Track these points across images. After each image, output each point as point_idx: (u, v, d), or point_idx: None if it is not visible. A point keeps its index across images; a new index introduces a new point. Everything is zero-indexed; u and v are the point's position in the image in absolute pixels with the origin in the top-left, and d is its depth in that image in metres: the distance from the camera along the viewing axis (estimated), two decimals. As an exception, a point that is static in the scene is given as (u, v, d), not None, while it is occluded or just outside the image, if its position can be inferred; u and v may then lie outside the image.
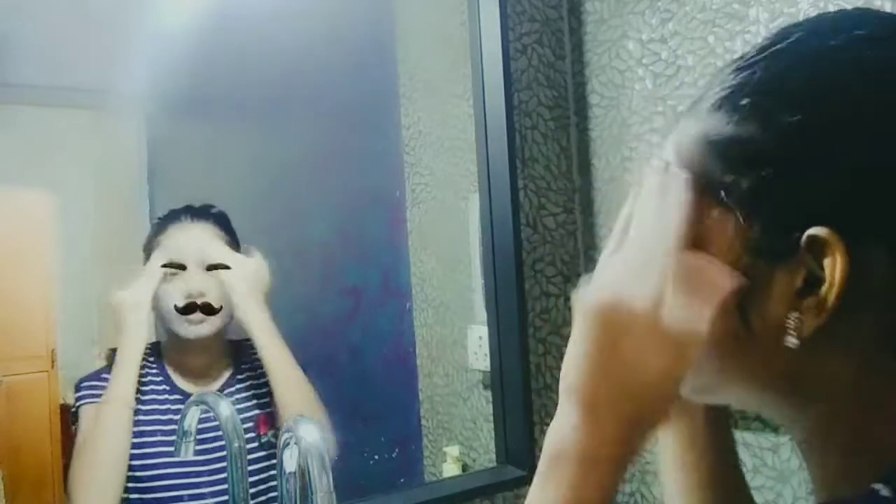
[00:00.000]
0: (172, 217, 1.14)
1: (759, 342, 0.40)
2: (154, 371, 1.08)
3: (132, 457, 1.01)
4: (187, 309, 1.06)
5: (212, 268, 1.10)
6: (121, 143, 1.49)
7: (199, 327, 1.08)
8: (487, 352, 1.24)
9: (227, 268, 1.10)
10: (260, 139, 1.58)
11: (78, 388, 1.04)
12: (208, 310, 1.07)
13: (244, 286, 1.08)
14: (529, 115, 1.24)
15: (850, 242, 0.36)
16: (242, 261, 1.10)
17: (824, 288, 0.37)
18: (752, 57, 0.42)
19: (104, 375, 1.03)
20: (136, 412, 1.02)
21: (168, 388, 1.07)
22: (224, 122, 1.58)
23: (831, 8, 0.89)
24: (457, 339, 1.37)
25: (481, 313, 1.27)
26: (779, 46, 0.41)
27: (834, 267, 0.36)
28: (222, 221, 1.15)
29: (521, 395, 1.18)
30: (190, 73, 1.37)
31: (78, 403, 1.03)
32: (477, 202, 1.24)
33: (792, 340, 0.38)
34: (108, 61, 1.36)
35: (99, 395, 1.02)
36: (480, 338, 1.28)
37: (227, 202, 1.26)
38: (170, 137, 1.54)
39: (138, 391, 1.04)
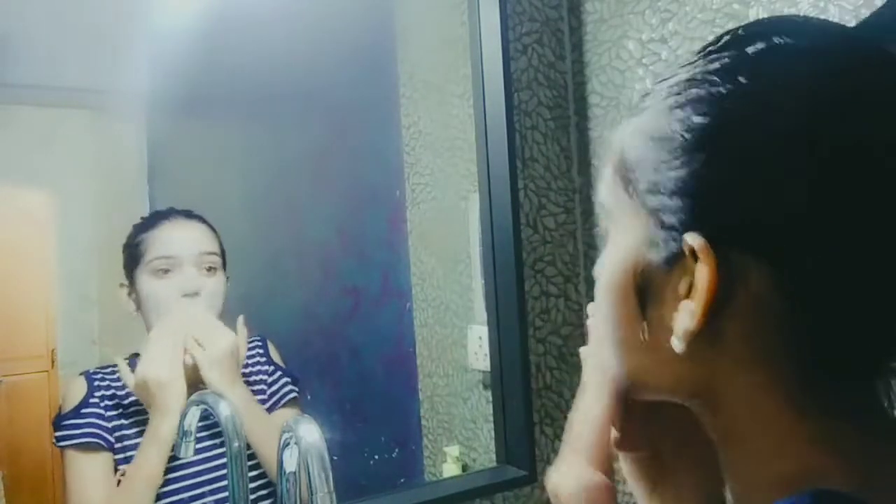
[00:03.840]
0: (161, 216, 1.11)
1: (656, 343, 0.40)
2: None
3: (125, 460, 1.00)
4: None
5: (209, 269, 1.08)
6: (121, 143, 1.49)
7: None
8: (487, 352, 1.24)
9: (216, 269, 1.09)
10: (260, 139, 1.59)
11: (58, 426, 0.99)
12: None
13: (217, 371, 1.01)
14: (529, 115, 1.24)
15: (728, 251, 0.36)
16: (220, 338, 1.04)
17: (693, 294, 0.37)
18: (691, 59, 0.42)
19: (83, 411, 1.00)
20: (120, 427, 1.01)
21: None
22: (224, 122, 1.58)
23: (831, 8, 0.89)
24: (457, 339, 1.37)
25: (481, 313, 1.27)
26: (712, 47, 0.41)
27: (702, 274, 0.36)
28: (210, 225, 1.12)
29: (521, 395, 1.18)
30: (190, 73, 1.37)
31: (61, 444, 0.99)
32: (477, 202, 1.24)
33: (676, 343, 0.38)
34: (108, 61, 1.36)
35: (82, 436, 0.98)
36: (480, 338, 1.28)
37: (227, 202, 1.26)
38: (170, 137, 1.54)
39: (120, 406, 1.03)
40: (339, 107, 1.55)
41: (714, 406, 0.40)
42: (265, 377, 1.14)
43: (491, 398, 1.25)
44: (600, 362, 0.49)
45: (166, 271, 1.05)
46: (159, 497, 1.00)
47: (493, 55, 1.19)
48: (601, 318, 0.45)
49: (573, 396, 1.35)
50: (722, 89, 0.38)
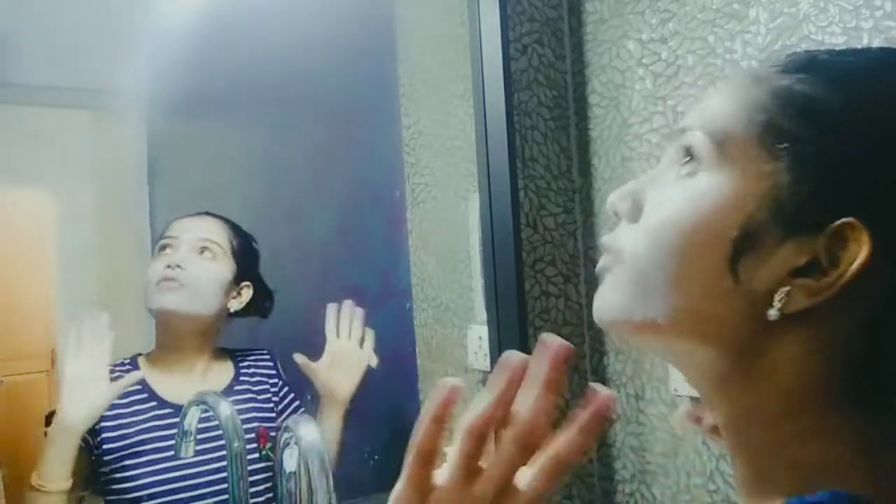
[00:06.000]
0: (191, 214, 1.16)
1: (737, 298, 0.39)
2: (136, 386, 1.06)
3: (126, 468, 1.00)
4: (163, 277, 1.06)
5: (202, 251, 1.10)
6: (121, 143, 1.49)
7: (168, 296, 1.06)
8: (487, 352, 1.24)
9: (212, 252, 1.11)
10: (260, 139, 1.59)
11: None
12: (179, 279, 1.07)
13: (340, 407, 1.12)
14: (529, 115, 1.24)
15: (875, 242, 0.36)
16: (350, 374, 1.14)
17: (834, 274, 0.36)
18: (853, 48, 0.42)
19: None
20: (122, 427, 1.02)
21: (155, 403, 1.06)
22: (224, 122, 1.58)
23: (831, 7, 0.88)
24: (457, 339, 1.37)
25: (481, 313, 1.27)
26: (878, 48, 0.41)
27: (853, 258, 0.35)
28: (233, 225, 1.17)
29: (521, 395, 1.18)
30: (190, 73, 1.37)
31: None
32: (477, 202, 1.24)
33: (773, 313, 0.37)
34: (108, 61, 1.36)
35: None
36: (480, 338, 1.28)
37: (228, 202, 1.26)
38: (170, 137, 1.54)
39: (123, 406, 1.03)
40: (339, 107, 1.54)
41: (748, 378, 0.40)
42: (275, 389, 1.16)
43: (491, 398, 1.25)
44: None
45: (164, 248, 1.08)
46: (159, 496, 1.00)
47: (493, 55, 1.19)
48: (664, 249, 0.42)
49: (573, 396, 1.34)
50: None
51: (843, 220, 0.36)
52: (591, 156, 1.25)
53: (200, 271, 1.08)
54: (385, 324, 1.54)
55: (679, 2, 1.08)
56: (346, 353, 1.14)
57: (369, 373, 1.21)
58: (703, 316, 0.40)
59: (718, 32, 1.03)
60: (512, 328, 1.18)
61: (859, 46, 0.42)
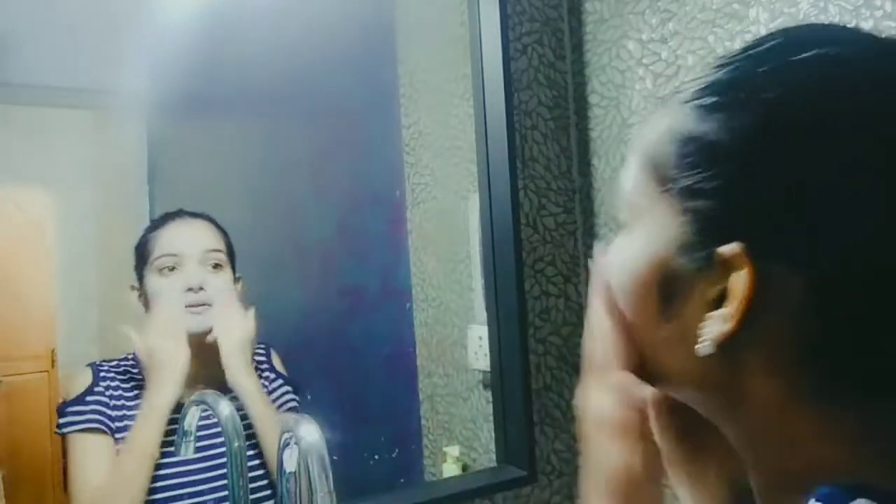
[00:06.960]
0: (169, 216, 1.13)
1: (675, 342, 0.40)
2: (142, 383, 1.06)
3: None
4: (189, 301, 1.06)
5: (215, 266, 1.10)
6: (121, 143, 1.49)
7: (202, 319, 1.07)
8: (487, 352, 1.24)
9: (222, 267, 1.10)
10: (260, 139, 1.58)
11: (62, 413, 1.00)
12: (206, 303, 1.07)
13: (238, 358, 1.07)
14: (529, 115, 1.24)
15: (765, 261, 0.36)
16: (238, 322, 1.09)
17: (729, 301, 0.37)
18: (732, 56, 0.41)
19: (88, 398, 1.00)
20: (122, 417, 1.01)
21: None
22: (224, 122, 1.57)
23: (831, 7, 0.89)
24: (457, 339, 1.37)
25: (481, 313, 1.27)
26: (755, 50, 0.40)
27: (739, 283, 0.36)
28: (216, 224, 1.15)
29: (521, 395, 1.18)
30: (190, 73, 1.37)
31: (65, 430, 0.99)
32: (477, 202, 1.24)
33: (702, 348, 0.38)
34: (108, 61, 1.36)
35: (86, 422, 0.99)
36: (480, 338, 1.28)
37: (227, 202, 1.26)
38: (170, 137, 1.54)
39: (123, 398, 1.03)
40: (339, 107, 1.54)
41: (735, 403, 0.40)
42: (266, 384, 1.15)
43: (491, 398, 1.25)
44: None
45: (171, 269, 1.07)
46: (158, 492, 1.00)
47: (493, 55, 1.19)
48: (623, 306, 0.44)
49: (573, 396, 1.35)
50: (769, 95, 0.37)
51: (720, 249, 0.36)
52: (591, 156, 1.25)
53: (217, 285, 1.10)
54: (385, 324, 1.54)
55: (679, 2, 1.08)
56: None
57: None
58: (667, 367, 0.43)
59: (718, 32, 1.03)
60: (512, 328, 1.18)
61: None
